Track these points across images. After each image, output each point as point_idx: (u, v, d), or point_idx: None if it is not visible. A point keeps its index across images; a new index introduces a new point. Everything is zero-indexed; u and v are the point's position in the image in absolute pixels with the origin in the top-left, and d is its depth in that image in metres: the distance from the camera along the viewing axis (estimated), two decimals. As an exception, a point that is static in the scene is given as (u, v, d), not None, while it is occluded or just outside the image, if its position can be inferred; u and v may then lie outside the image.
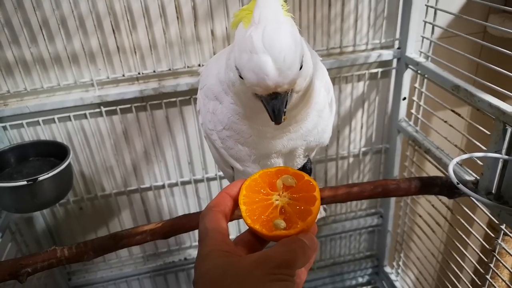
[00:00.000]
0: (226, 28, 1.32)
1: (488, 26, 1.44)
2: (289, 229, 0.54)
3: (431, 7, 1.31)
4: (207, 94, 0.82)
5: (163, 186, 1.58)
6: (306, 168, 1.00)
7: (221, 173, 1.58)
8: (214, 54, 1.34)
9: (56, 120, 1.36)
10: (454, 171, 1.24)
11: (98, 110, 1.37)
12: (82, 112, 1.37)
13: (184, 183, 1.60)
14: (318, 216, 1.36)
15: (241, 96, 0.68)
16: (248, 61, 0.57)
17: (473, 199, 1.15)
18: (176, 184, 1.59)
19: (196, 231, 1.77)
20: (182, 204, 1.64)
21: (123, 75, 1.34)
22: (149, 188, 1.58)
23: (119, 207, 1.60)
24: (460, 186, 0.92)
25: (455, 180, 0.94)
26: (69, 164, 1.22)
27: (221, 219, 0.55)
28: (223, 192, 0.58)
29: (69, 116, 1.37)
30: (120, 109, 1.38)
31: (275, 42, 0.56)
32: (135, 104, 1.38)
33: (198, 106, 0.88)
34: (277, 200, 0.58)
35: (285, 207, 0.57)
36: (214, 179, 1.60)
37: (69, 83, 1.32)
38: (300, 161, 0.92)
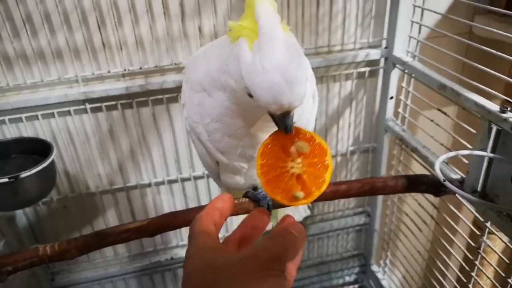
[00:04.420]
0: (214, 25, 1.31)
1: (474, 26, 1.46)
2: (306, 198, 0.58)
3: (418, 7, 1.32)
4: (193, 87, 0.81)
5: (149, 185, 1.56)
6: None
7: (208, 172, 1.57)
8: (202, 51, 1.33)
9: (40, 117, 1.33)
10: (440, 170, 1.25)
11: (82, 107, 1.35)
12: (66, 109, 1.34)
13: (171, 182, 1.58)
14: (303, 215, 1.35)
15: (244, 105, 0.68)
16: (261, 82, 0.58)
17: (459, 196, 1.16)
18: (162, 183, 1.57)
19: (183, 230, 1.75)
20: (168, 203, 1.62)
21: (109, 72, 1.31)
22: (135, 187, 1.56)
23: (104, 206, 1.57)
24: (447, 183, 0.93)
25: (441, 177, 0.95)
26: (52, 161, 1.20)
27: (210, 224, 0.54)
28: (211, 205, 0.57)
29: (52, 113, 1.34)
30: (105, 106, 1.36)
31: (286, 64, 0.57)
32: (121, 101, 1.36)
33: (183, 99, 0.87)
34: (293, 167, 0.60)
35: (301, 175, 0.59)
36: (201, 177, 1.59)
37: (53, 79, 1.29)
38: None
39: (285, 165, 0.60)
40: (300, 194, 0.58)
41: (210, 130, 0.81)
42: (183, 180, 1.58)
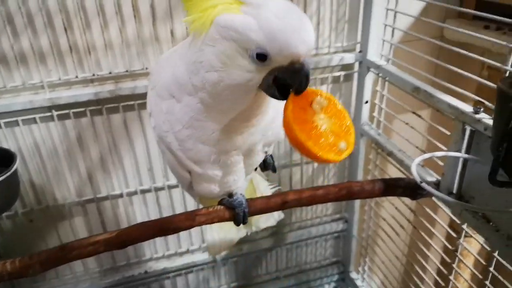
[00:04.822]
0: (187, 28, 1.28)
1: (445, 31, 1.48)
2: (348, 148, 0.60)
3: (391, 10, 1.33)
4: (161, 94, 0.78)
5: (121, 195, 1.50)
6: (267, 163, 0.99)
7: (183, 180, 1.52)
8: (174, 55, 1.30)
9: (2, 125, 1.27)
10: (416, 172, 1.26)
11: (49, 114, 1.29)
12: (31, 116, 1.28)
13: (144, 191, 1.52)
14: (277, 219, 1.33)
15: (232, 90, 0.66)
16: (282, 28, 0.59)
17: (435, 199, 1.16)
18: (135, 193, 1.51)
19: (158, 241, 1.70)
20: (141, 213, 1.56)
21: (77, 77, 1.26)
22: (106, 198, 1.49)
23: (74, 218, 1.50)
24: (424, 184, 0.92)
25: (418, 178, 0.94)
26: (15, 172, 1.13)
27: None
28: None
29: (16, 121, 1.27)
30: (73, 113, 1.30)
31: (293, 8, 0.61)
32: (90, 108, 1.31)
33: (149, 107, 0.83)
34: (321, 122, 0.62)
35: (332, 129, 0.62)
36: (176, 186, 1.54)
37: (17, 85, 1.23)
38: (260, 158, 0.91)
39: (315, 123, 0.62)
40: (344, 144, 0.60)
41: (181, 138, 0.78)
42: (157, 189, 1.53)
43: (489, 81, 1.01)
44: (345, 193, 1.10)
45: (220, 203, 0.98)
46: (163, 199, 1.56)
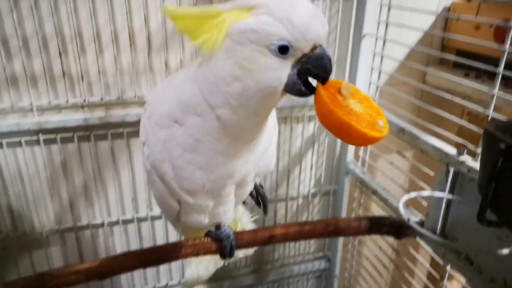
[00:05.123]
0: (181, 60, 1.31)
1: (427, 76, 1.56)
2: (386, 126, 0.63)
3: (378, 54, 1.39)
4: (159, 122, 0.77)
5: (102, 225, 1.46)
6: (258, 192, 1.00)
7: (166, 211, 1.50)
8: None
9: (-15, 147, 1.24)
10: (397, 213, 1.27)
11: (35, 138, 1.27)
12: (17, 139, 1.25)
13: (126, 222, 1.49)
14: (250, 253, 1.29)
15: (259, 97, 0.67)
16: (300, 13, 0.61)
17: (419, 239, 1.17)
18: (117, 223, 1.48)
19: (135, 273, 1.63)
20: (122, 245, 1.52)
21: (67, 101, 1.26)
22: (86, 226, 1.45)
23: (50, 247, 1.44)
24: (412, 223, 0.93)
25: (406, 216, 0.95)
26: (-5, 194, 1.09)
27: None
28: None
29: (1, 143, 1.24)
30: (60, 137, 1.28)
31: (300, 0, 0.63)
32: (78, 133, 1.30)
33: (143, 137, 0.82)
34: (353, 105, 0.63)
35: (365, 111, 0.63)
36: (159, 217, 1.51)
37: (5, 106, 1.21)
38: (249, 188, 0.92)
39: (349, 107, 0.63)
40: (382, 122, 0.62)
41: (179, 165, 0.77)
42: (140, 220, 1.50)
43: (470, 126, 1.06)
44: (331, 229, 1.10)
45: (206, 235, 0.97)
46: (145, 230, 1.52)
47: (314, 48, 0.64)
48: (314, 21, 0.62)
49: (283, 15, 0.61)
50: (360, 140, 0.62)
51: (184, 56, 1.30)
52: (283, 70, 0.65)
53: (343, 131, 0.62)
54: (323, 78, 0.66)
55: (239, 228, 1.16)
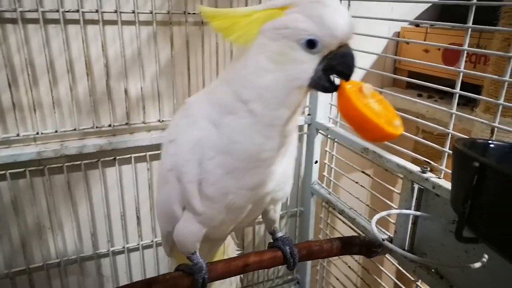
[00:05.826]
0: (142, 87, 1.26)
1: (383, 94, 1.61)
2: (401, 125, 0.68)
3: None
4: (197, 122, 0.79)
5: (58, 264, 1.36)
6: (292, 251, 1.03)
7: (130, 245, 1.42)
8: (127, 113, 1.27)
9: None
10: (365, 231, 1.29)
11: (-19, 175, 1.17)
12: (-39, 177, 1.15)
13: (84, 259, 1.39)
14: (234, 286, 1.26)
15: (287, 89, 0.70)
16: (330, 11, 0.66)
17: (390, 256, 1.19)
18: (75, 261, 1.38)
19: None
20: (79, 285, 1.41)
21: (18, 135, 1.17)
22: (41, 268, 1.33)
23: (-1, 293, 1.32)
24: (386, 242, 0.94)
25: (379, 236, 0.96)
26: None
27: None
28: None
29: None
30: (10, 173, 1.19)
31: (331, 0, 0.67)
32: (30, 168, 1.21)
33: (173, 134, 0.84)
34: (373, 104, 0.68)
35: (385, 109, 0.68)
36: (121, 252, 1.43)
37: None
38: (259, 213, 0.96)
39: (370, 104, 0.67)
40: (398, 122, 0.67)
41: (208, 168, 0.78)
42: (100, 256, 1.41)
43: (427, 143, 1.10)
44: (305, 253, 1.09)
45: (177, 269, 0.93)
46: (106, 267, 1.43)
47: (340, 46, 0.69)
48: (343, 20, 0.67)
49: (315, 13, 0.66)
50: (378, 134, 0.68)
51: (145, 83, 1.26)
52: (310, 63, 0.69)
53: (363, 125, 0.68)
54: (347, 75, 0.71)
55: (225, 256, 1.14)
